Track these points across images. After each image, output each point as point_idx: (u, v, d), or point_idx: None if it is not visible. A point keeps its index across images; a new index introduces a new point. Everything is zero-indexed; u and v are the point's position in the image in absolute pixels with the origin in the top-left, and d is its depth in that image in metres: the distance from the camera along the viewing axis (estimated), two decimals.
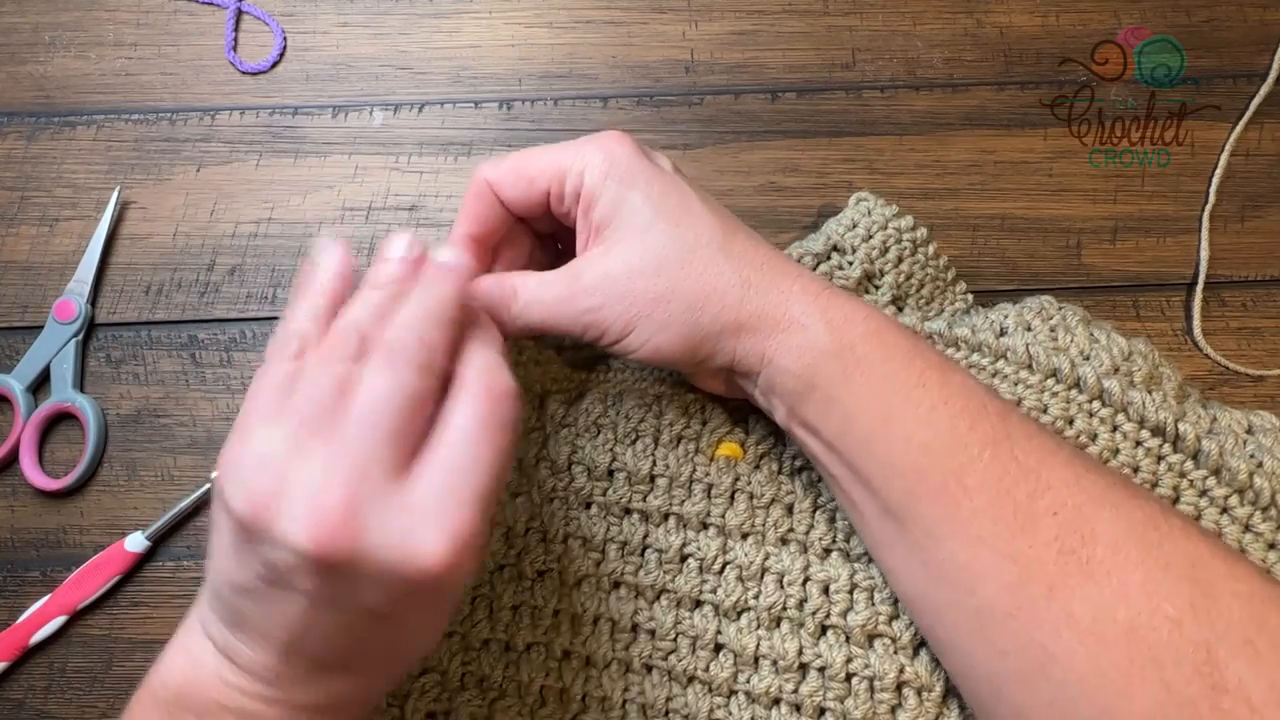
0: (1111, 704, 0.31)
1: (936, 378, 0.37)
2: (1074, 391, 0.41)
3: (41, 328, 0.49)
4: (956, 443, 0.35)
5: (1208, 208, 0.52)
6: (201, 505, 0.48)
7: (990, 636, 0.34)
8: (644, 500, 0.43)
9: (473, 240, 0.41)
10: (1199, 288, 0.51)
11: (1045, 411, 0.41)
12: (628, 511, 0.43)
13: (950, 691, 0.39)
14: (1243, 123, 0.53)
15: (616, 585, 0.42)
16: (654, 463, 0.43)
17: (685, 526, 0.42)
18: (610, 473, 0.43)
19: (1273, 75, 0.53)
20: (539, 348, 0.44)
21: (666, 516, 0.43)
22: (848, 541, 0.42)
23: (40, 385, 0.49)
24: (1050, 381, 0.41)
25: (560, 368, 0.45)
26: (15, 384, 0.48)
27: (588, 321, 0.38)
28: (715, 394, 0.43)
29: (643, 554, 0.42)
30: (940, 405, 0.36)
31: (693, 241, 0.38)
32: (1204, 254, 0.51)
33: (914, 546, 0.36)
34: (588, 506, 0.43)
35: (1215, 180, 0.52)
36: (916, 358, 0.37)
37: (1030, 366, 0.42)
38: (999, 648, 0.34)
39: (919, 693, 0.39)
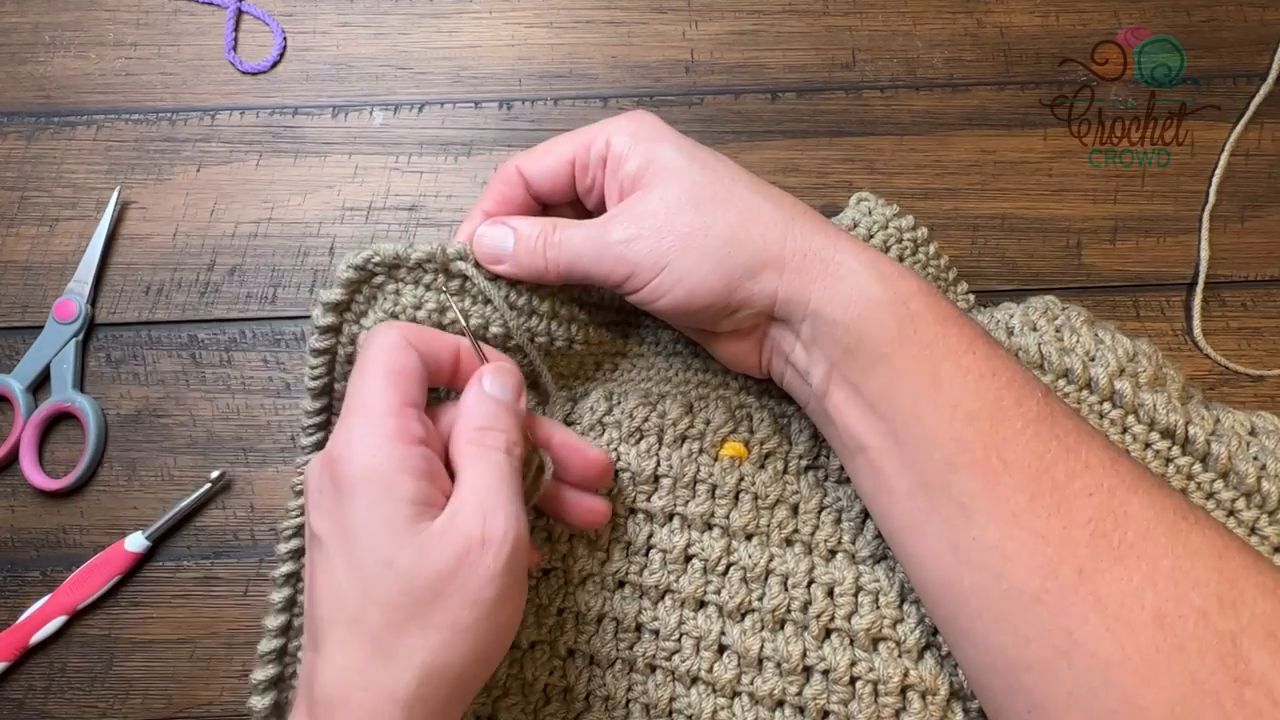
0: (1134, 692, 0.31)
1: (985, 347, 0.36)
2: (1085, 392, 0.41)
3: (41, 328, 0.49)
4: (1001, 415, 0.34)
5: (1208, 208, 0.52)
6: (202, 505, 0.48)
7: (1014, 622, 0.33)
8: (648, 500, 0.43)
9: (487, 216, 0.41)
10: (1199, 288, 0.51)
11: None
12: (632, 511, 0.43)
13: (955, 695, 0.39)
14: (1243, 123, 0.53)
15: (621, 585, 0.42)
16: (658, 462, 0.43)
17: (689, 527, 0.42)
18: (615, 473, 0.43)
19: (1273, 75, 0.53)
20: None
21: (671, 516, 0.43)
22: (853, 543, 0.41)
23: (40, 385, 0.49)
24: (1061, 382, 0.41)
25: (570, 363, 0.45)
26: (15, 384, 0.48)
27: (619, 253, 0.37)
28: (741, 370, 0.42)
29: (647, 554, 0.42)
30: (988, 375, 0.35)
31: (730, 182, 0.38)
32: (1204, 254, 0.51)
33: (945, 524, 0.35)
34: None
35: (1215, 180, 0.52)
36: (966, 324, 0.36)
37: (1042, 366, 0.42)
38: (1022, 634, 0.33)
39: (923, 696, 0.39)
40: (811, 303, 0.36)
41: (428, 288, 0.40)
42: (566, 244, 0.38)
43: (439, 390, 0.42)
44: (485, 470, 0.34)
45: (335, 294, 0.39)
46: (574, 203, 0.42)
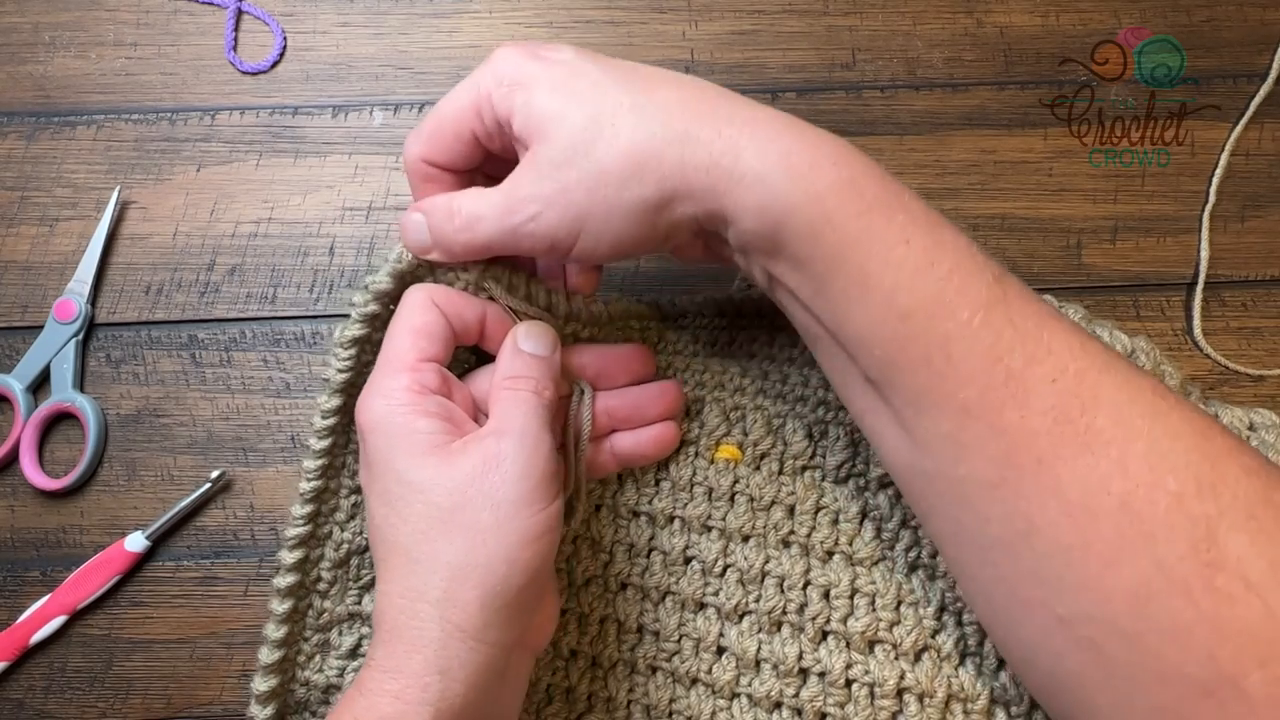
0: (1096, 575, 0.30)
1: (922, 235, 0.33)
2: None
3: (41, 328, 0.49)
4: (942, 309, 0.32)
5: (1208, 208, 0.52)
6: (202, 505, 0.48)
7: (974, 504, 0.33)
8: (650, 503, 0.43)
9: None
10: (1199, 288, 0.51)
11: None
12: (635, 514, 0.43)
13: (952, 697, 0.39)
14: (1243, 123, 0.53)
15: (623, 587, 0.42)
16: (657, 465, 0.43)
17: (688, 529, 0.42)
18: (618, 476, 0.43)
19: (1273, 75, 0.53)
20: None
21: (671, 519, 0.43)
22: (850, 545, 0.41)
23: (40, 385, 0.49)
24: None
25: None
26: (15, 384, 0.48)
27: (530, 231, 0.35)
28: (701, 262, 0.40)
29: (648, 556, 0.42)
30: (925, 267, 0.32)
31: (606, 113, 0.34)
32: (1204, 254, 0.51)
33: (896, 416, 0.34)
34: (597, 510, 0.43)
35: (1215, 180, 0.52)
36: (899, 211, 0.33)
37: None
38: (982, 514, 0.33)
39: (920, 699, 0.39)
40: (727, 214, 0.34)
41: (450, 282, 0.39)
42: (474, 226, 0.36)
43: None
44: (509, 406, 0.37)
45: (384, 282, 0.38)
46: (491, 158, 0.40)
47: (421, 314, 0.37)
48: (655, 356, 0.45)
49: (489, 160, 0.40)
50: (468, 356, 0.42)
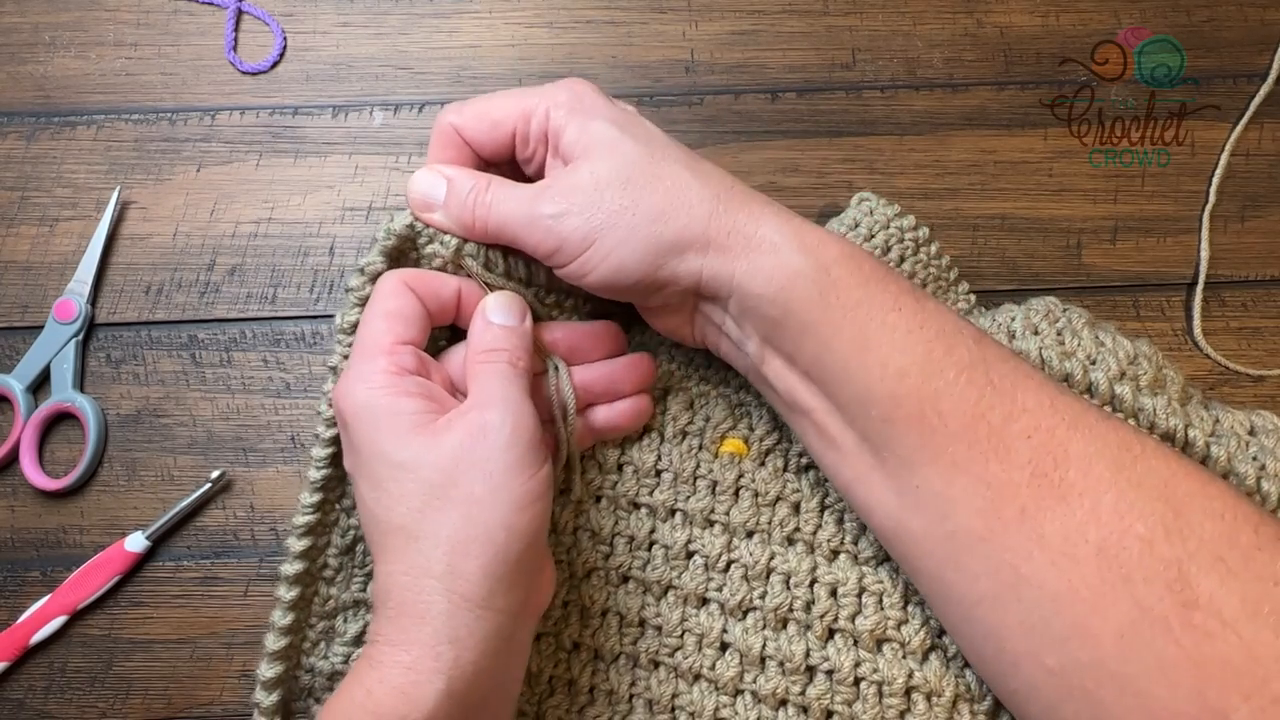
0: (1083, 620, 0.32)
1: (911, 303, 0.36)
2: (1086, 396, 0.41)
3: (41, 328, 0.49)
4: (932, 368, 0.35)
5: (1208, 208, 0.52)
6: (202, 505, 0.48)
7: (962, 561, 0.35)
8: (650, 494, 0.43)
9: None
10: (1199, 288, 0.51)
11: None
12: (636, 506, 0.43)
13: (960, 697, 0.39)
14: (1243, 123, 0.53)
15: (625, 579, 0.42)
16: (659, 456, 0.43)
17: (690, 523, 0.42)
18: (619, 466, 0.43)
19: (1273, 75, 0.53)
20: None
21: (673, 512, 0.43)
22: (855, 544, 0.41)
23: (40, 385, 0.49)
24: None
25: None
26: (15, 384, 0.48)
27: (547, 227, 0.37)
28: (677, 340, 0.43)
29: (650, 549, 0.42)
30: (916, 330, 0.36)
31: (660, 157, 0.38)
32: (1204, 254, 0.51)
33: (889, 476, 0.36)
34: (597, 500, 0.43)
35: (1215, 180, 0.52)
36: (891, 282, 0.37)
37: (1043, 370, 0.42)
38: (971, 572, 0.34)
39: (928, 697, 0.39)
40: (735, 279, 0.37)
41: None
42: (497, 206, 0.39)
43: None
44: (487, 379, 0.37)
45: (378, 262, 0.39)
46: (512, 162, 0.42)
47: (394, 299, 0.38)
48: (628, 338, 0.45)
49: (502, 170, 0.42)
50: (442, 333, 0.42)
